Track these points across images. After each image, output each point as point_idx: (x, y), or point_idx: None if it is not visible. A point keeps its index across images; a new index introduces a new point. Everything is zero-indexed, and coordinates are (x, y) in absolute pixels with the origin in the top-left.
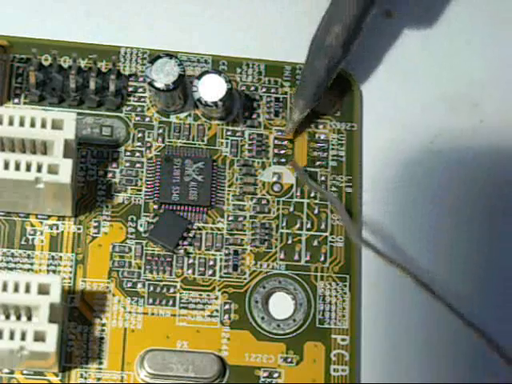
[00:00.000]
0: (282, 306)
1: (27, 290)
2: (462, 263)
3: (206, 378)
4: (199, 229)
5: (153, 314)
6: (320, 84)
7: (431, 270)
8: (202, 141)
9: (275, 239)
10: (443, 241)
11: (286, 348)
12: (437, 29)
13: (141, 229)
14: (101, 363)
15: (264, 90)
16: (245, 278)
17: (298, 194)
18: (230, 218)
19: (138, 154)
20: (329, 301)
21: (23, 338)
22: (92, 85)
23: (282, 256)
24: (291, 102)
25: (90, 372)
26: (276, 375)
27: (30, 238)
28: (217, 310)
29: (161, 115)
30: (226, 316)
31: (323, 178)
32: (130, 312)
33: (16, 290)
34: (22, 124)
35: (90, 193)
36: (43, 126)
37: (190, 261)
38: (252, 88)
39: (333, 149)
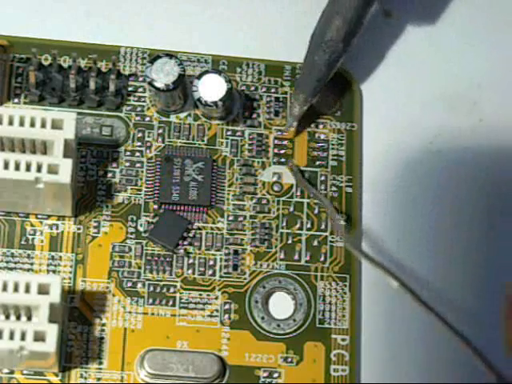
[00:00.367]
0: (281, 305)
1: (27, 289)
2: (462, 263)
3: (206, 377)
4: (199, 229)
5: (153, 313)
6: (320, 78)
7: (431, 270)
8: (202, 141)
9: (275, 239)
10: (443, 241)
11: (285, 348)
12: (436, 29)
13: (141, 229)
14: (101, 363)
15: (264, 89)
16: (245, 278)
17: (298, 193)
18: (230, 218)
19: (137, 154)
20: (329, 301)
21: (23, 338)
22: (92, 85)
23: (282, 256)
24: (291, 96)
25: (90, 372)
26: (276, 375)
27: (30, 237)
28: (217, 310)
29: (161, 115)
30: (226, 316)
31: (323, 178)
32: (129, 312)
33: (16, 289)
34: (21, 124)
35: (90, 193)
36: (43, 125)
37: (190, 261)
38: (252, 88)
39: (333, 149)
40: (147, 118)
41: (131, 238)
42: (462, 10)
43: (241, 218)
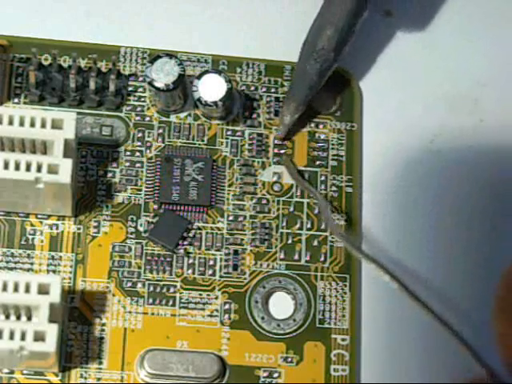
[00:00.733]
0: (281, 305)
1: (27, 289)
2: (462, 263)
3: (206, 377)
4: (199, 229)
5: (153, 313)
6: (312, 87)
7: (431, 270)
8: (202, 141)
9: (275, 239)
10: (443, 241)
11: (285, 348)
12: (436, 28)
13: (141, 229)
14: (101, 363)
15: (264, 89)
16: (245, 278)
17: (298, 193)
18: (230, 218)
19: (137, 154)
20: (329, 301)
21: (23, 338)
22: (92, 85)
23: (282, 256)
24: (282, 104)
25: (90, 372)
26: (276, 375)
27: (30, 237)
28: (217, 310)
29: (161, 115)
30: (226, 316)
31: (323, 178)
32: (129, 312)
33: (16, 289)
34: (21, 124)
35: (90, 193)
36: (43, 125)
37: (190, 261)
38: (252, 88)
39: (333, 149)
40: (147, 118)
41: (131, 238)
42: (462, 9)
43: (241, 218)
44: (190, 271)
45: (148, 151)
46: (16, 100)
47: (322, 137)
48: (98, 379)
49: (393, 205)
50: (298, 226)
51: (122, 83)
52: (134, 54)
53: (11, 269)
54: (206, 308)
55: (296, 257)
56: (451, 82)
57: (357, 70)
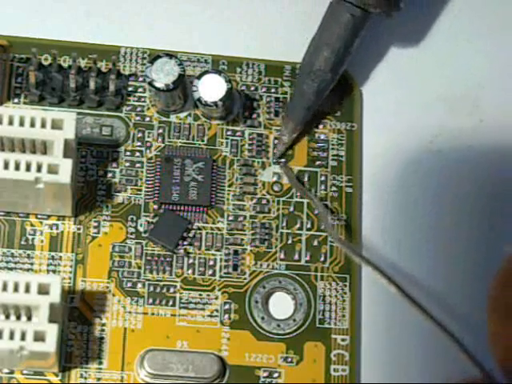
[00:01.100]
0: (281, 306)
1: (27, 289)
2: (462, 263)
3: (206, 377)
4: (199, 229)
5: (153, 313)
6: (309, 107)
7: (431, 270)
8: (202, 141)
9: (275, 239)
10: (443, 241)
11: (285, 348)
12: (436, 29)
13: (141, 229)
14: (101, 363)
15: (264, 89)
16: (245, 278)
17: (298, 193)
18: (230, 218)
19: (137, 154)
20: (329, 301)
21: (23, 338)
22: (92, 85)
23: (282, 256)
24: (280, 124)
25: (90, 372)
26: (276, 375)
27: (30, 237)
28: (217, 310)
29: (161, 115)
30: (226, 316)
31: (323, 178)
32: (129, 312)
33: (16, 289)
34: (21, 124)
35: (90, 193)
36: (43, 125)
37: (190, 261)
38: (252, 88)
39: (333, 149)
40: (147, 118)
41: (131, 238)
42: (462, 10)
43: (241, 218)
44: (189, 271)
45: (148, 151)
46: (16, 100)
47: (322, 137)
48: (98, 379)
49: (393, 205)
50: (297, 226)
51: (122, 83)
52: (133, 54)
53: (11, 269)
54: (206, 308)
55: (296, 257)
56: (451, 83)
57: (357, 70)
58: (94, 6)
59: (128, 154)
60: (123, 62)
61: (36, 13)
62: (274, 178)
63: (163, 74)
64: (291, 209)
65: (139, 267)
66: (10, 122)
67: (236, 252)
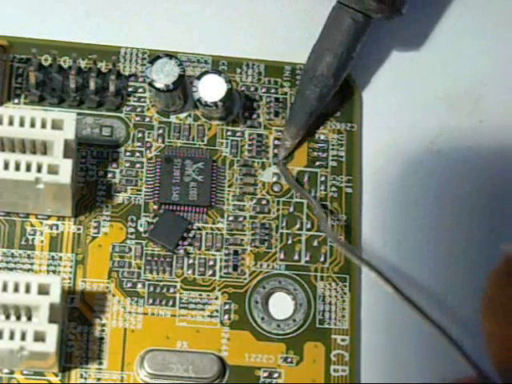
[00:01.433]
0: (281, 306)
1: (27, 290)
2: (462, 263)
3: (206, 378)
4: (199, 229)
5: (153, 314)
6: (312, 112)
7: (431, 270)
8: (202, 141)
9: (275, 239)
10: (443, 241)
11: (285, 348)
12: (437, 30)
13: (141, 229)
14: (101, 363)
15: (264, 90)
16: (245, 278)
17: (298, 194)
18: (230, 218)
19: (137, 154)
20: (329, 301)
21: (23, 338)
22: (92, 85)
23: (281, 256)
24: (283, 130)
25: (90, 372)
26: (276, 375)
27: (30, 238)
28: (217, 310)
29: (161, 115)
30: (226, 316)
31: (323, 179)
32: (129, 312)
33: (16, 290)
34: (21, 124)
35: (90, 193)
36: (43, 126)
37: (190, 261)
38: (252, 88)
39: (333, 149)
40: (147, 119)
41: (131, 239)
42: (463, 11)
43: (241, 219)
44: (189, 271)
45: (148, 152)
46: (16, 100)
47: (322, 137)
48: (98, 379)
49: (393, 205)
50: (297, 226)
51: (122, 84)
52: (133, 55)
53: (11, 269)
54: (206, 308)
55: (296, 257)
56: (451, 83)
57: (357, 71)
58: (94, 6)
59: (128, 154)
60: (123, 63)
61: (36, 13)
62: (274, 179)
63: (163, 75)
64: (291, 209)
65: (139, 267)
66: (10, 123)
67: (236, 252)
